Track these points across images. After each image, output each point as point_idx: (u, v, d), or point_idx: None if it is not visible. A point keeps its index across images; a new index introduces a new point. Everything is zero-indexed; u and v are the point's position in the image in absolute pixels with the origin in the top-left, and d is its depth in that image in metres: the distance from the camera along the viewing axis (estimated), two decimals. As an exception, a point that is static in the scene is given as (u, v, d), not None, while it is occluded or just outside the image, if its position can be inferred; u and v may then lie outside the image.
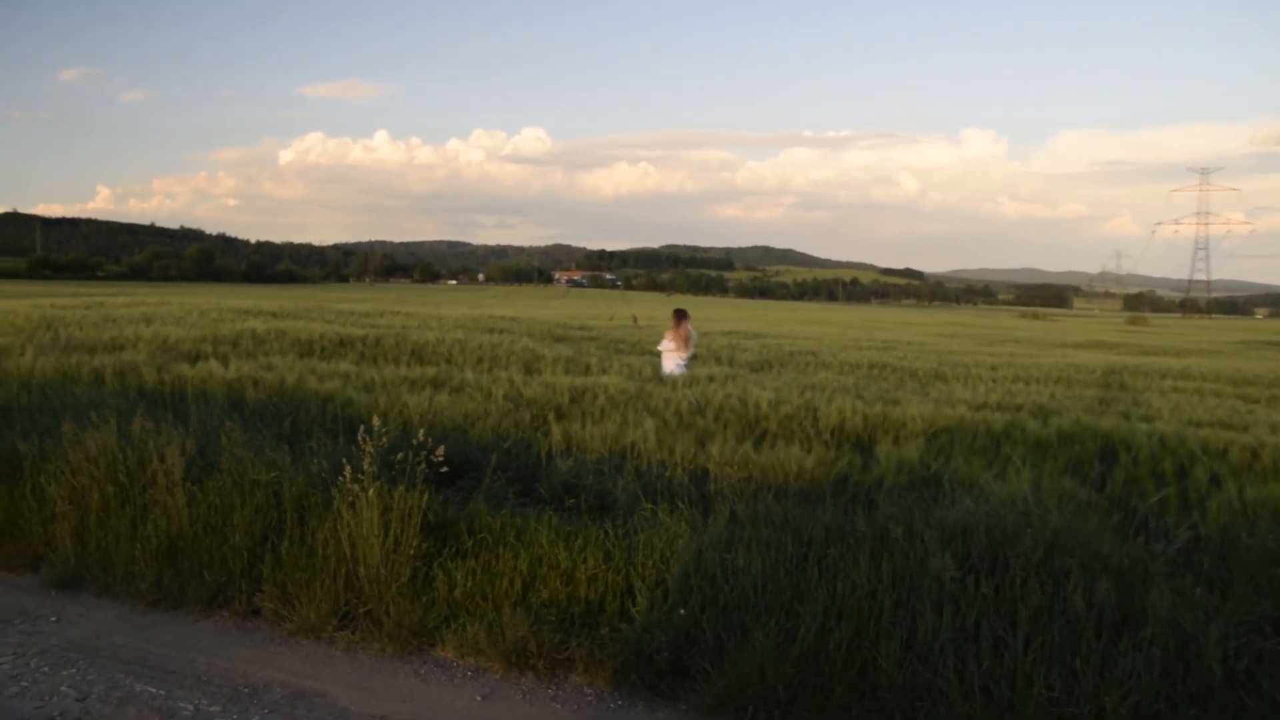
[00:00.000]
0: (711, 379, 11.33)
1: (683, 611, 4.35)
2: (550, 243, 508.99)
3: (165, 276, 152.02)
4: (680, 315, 12.86)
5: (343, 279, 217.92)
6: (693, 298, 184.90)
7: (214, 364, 11.28)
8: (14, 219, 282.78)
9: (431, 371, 11.75)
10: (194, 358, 12.87)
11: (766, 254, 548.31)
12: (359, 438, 5.42)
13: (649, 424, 7.93)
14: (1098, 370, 19.76)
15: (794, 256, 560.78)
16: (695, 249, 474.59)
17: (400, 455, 5.40)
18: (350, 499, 5.30)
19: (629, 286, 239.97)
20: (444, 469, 5.48)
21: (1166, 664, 3.83)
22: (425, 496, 5.34)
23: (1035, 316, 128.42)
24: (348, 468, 5.30)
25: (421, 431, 5.61)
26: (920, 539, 4.49)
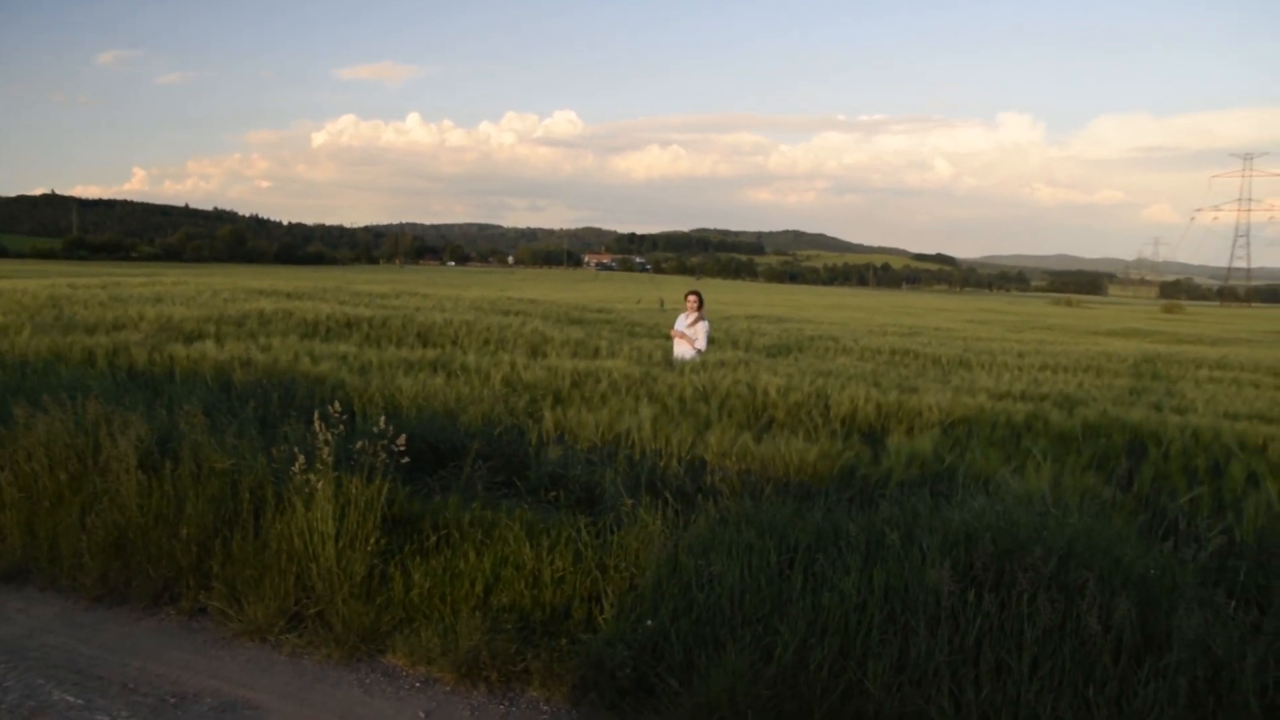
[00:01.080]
0: (722, 364, 10.86)
1: (650, 622, 3.91)
2: (580, 225, 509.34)
3: (198, 257, 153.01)
4: (699, 299, 12.05)
5: (373, 261, 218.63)
6: (723, 281, 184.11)
7: (209, 344, 10.97)
8: (52, 200, 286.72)
9: (432, 354, 11.37)
10: (194, 338, 12.60)
11: (798, 238, 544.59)
12: (314, 425, 5.02)
13: (645, 411, 7.49)
14: (1130, 359, 19.08)
15: (825, 241, 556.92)
16: (726, 233, 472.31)
17: (360, 444, 4.99)
18: (308, 491, 4.91)
19: (658, 270, 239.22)
20: (405, 459, 5.06)
21: (1194, 695, 3.35)
22: (385, 489, 4.94)
23: (1068, 303, 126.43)
24: (300, 457, 4.90)
25: (383, 420, 5.18)
26: (919, 546, 4.01)
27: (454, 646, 4.19)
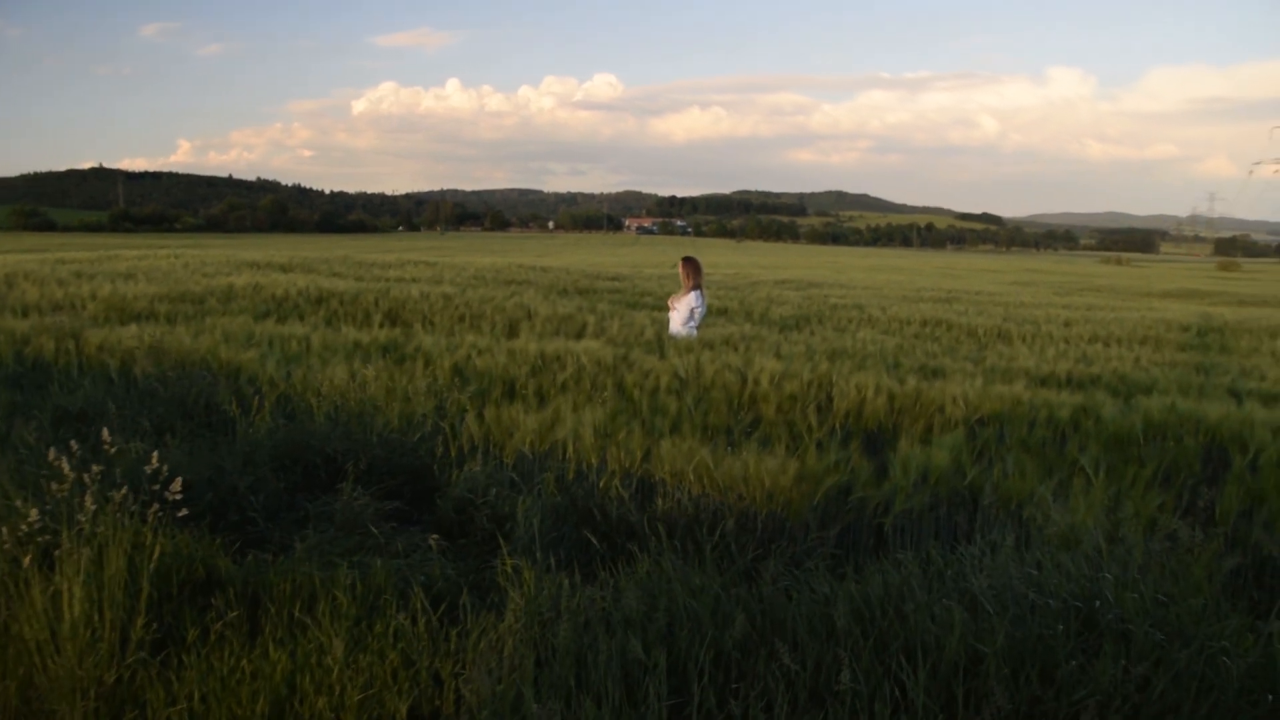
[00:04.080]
0: (710, 345, 9.36)
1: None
2: (621, 189, 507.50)
3: (240, 228, 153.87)
4: (690, 266, 10.54)
5: (414, 228, 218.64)
6: (764, 244, 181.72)
7: (132, 329, 9.66)
8: (100, 174, 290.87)
9: (390, 335, 9.97)
10: (141, 318, 11.43)
11: (840, 199, 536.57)
12: (50, 457, 3.61)
13: (589, 415, 5.98)
14: (1191, 326, 17.16)
15: (869, 201, 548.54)
16: (767, 194, 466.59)
17: (123, 491, 3.56)
18: (41, 558, 3.51)
19: (699, 233, 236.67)
20: (183, 512, 3.64)
21: None
22: (156, 553, 3.52)
23: (1118, 262, 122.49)
24: (33, 511, 3.49)
25: (155, 456, 3.74)
26: (892, 674, 2.51)
27: (199, 810, 2.79)
